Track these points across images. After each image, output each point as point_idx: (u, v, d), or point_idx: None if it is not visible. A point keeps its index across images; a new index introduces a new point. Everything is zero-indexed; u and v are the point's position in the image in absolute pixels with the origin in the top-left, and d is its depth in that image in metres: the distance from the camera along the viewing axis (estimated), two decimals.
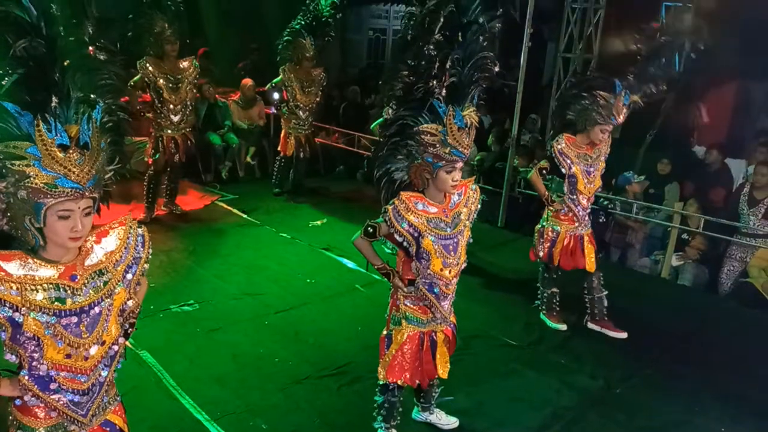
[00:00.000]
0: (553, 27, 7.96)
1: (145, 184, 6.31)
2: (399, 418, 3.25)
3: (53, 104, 1.70)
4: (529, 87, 7.21)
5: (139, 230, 2.06)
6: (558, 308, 4.63)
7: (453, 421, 3.44)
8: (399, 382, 3.05)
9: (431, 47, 2.54)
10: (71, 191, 1.75)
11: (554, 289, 4.59)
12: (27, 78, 1.70)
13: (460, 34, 2.50)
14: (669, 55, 4.09)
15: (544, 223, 4.47)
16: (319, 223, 6.72)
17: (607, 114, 4.02)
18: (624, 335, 4.48)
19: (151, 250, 2.08)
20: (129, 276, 2.00)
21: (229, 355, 4.03)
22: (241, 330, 4.37)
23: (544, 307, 4.65)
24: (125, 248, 2.00)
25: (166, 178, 6.52)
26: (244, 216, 6.75)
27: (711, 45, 4.20)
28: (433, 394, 3.40)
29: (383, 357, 3.08)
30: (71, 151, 1.73)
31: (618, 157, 4.42)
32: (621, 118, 4.09)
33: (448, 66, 2.53)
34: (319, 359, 4.04)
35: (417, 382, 3.08)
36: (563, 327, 4.55)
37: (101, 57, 2.00)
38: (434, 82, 2.58)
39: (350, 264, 5.52)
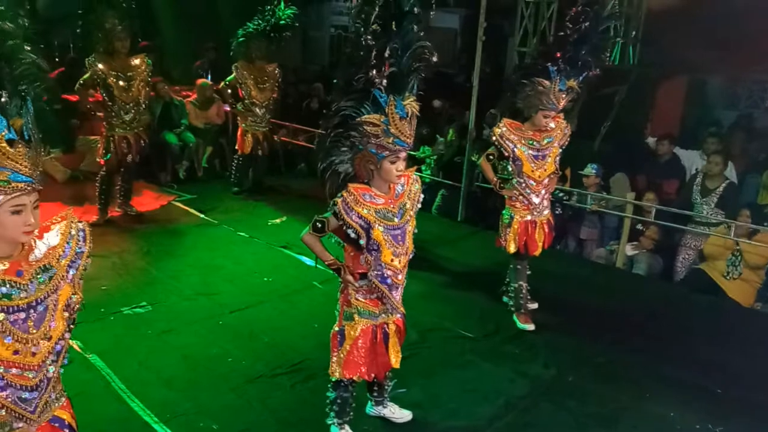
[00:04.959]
0: (513, 22, 8.01)
1: (97, 185, 6.17)
2: (352, 413, 3.23)
3: (2, 99, 1.71)
4: (490, 82, 7.25)
5: (80, 224, 2.06)
6: (526, 305, 4.56)
7: (406, 414, 3.43)
8: (355, 377, 3.02)
9: (369, 38, 2.53)
10: (24, 185, 1.77)
11: (521, 282, 4.50)
12: None
13: (395, 23, 2.49)
14: (595, 40, 4.13)
15: (503, 211, 4.49)
16: (278, 221, 6.64)
17: (547, 100, 4.05)
18: (532, 327, 4.48)
19: (92, 244, 2.07)
20: (72, 271, 2.01)
21: (180, 356, 3.96)
22: (193, 331, 4.28)
23: (512, 304, 4.58)
24: (67, 243, 2.01)
25: (120, 178, 6.38)
26: (202, 216, 6.64)
27: (656, 36, 4.28)
28: (386, 387, 3.38)
29: (336, 353, 3.05)
30: (19, 146, 1.74)
31: (573, 148, 4.45)
32: (561, 104, 4.12)
33: (386, 55, 2.52)
34: (273, 358, 3.99)
35: (373, 375, 3.06)
36: (531, 327, 4.47)
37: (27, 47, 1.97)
38: (374, 72, 2.57)
39: (309, 261, 5.46)
